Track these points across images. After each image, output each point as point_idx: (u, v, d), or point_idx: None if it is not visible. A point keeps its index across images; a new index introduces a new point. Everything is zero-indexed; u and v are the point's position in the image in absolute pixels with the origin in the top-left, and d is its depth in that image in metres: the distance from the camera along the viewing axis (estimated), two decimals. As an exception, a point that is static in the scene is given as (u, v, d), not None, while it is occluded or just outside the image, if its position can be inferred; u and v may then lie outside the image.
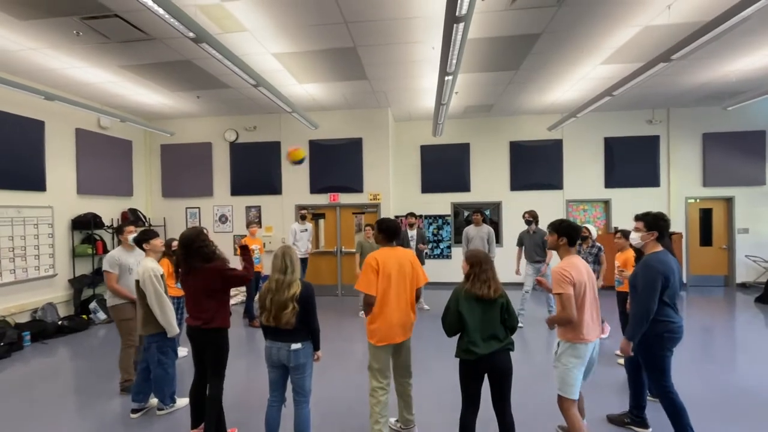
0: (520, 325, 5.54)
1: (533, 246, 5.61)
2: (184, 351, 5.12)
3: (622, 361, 4.23)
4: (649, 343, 2.64)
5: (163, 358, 3.28)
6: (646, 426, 2.94)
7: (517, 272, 5.82)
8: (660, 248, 2.71)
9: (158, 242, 3.51)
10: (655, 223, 2.71)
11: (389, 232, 2.82)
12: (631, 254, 4.11)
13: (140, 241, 3.50)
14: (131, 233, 3.89)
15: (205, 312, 2.73)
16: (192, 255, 2.71)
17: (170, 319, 3.20)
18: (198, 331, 2.74)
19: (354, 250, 6.46)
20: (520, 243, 5.84)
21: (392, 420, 3.01)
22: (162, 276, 3.29)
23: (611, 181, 8.09)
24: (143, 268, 3.23)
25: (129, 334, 3.78)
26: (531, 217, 5.72)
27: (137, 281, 3.24)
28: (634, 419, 2.98)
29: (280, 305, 2.42)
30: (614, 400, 3.37)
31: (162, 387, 3.32)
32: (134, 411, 3.34)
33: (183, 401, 3.39)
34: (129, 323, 3.76)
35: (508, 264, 6.14)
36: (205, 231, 2.92)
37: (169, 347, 3.32)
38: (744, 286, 7.83)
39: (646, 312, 2.57)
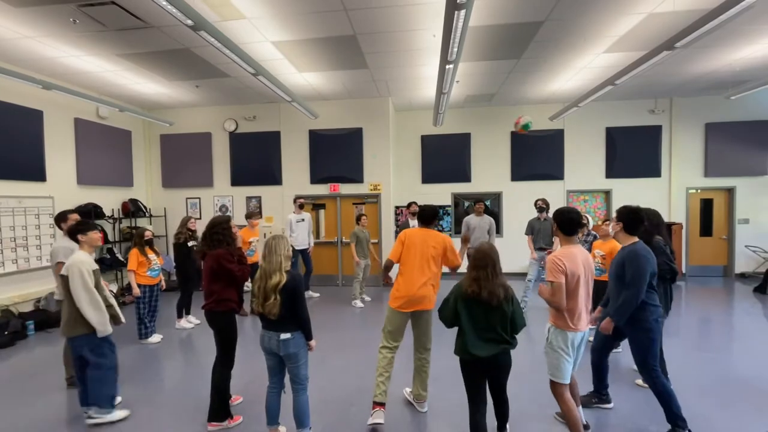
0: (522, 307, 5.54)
1: (542, 234, 5.62)
2: (195, 320, 5.49)
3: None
4: (647, 328, 2.74)
5: (100, 360, 2.95)
6: (609, 401, 3.18)
7: (535, 257, 5.75)
8: (635, 240, 2.80)
9: (96, 236, 3.13)
10: (622, 214, 2.83)
11: (423, 216, 3.16)
12: (616, 244, 4.09)
13: (76, 232, 3.06)
14: (76, 221, 3.56)
15: (210, 295, 2.89)
16: (206, 238, 2.94)
17: (102, 318, 2.92)
18: (205, 313, 2.93)
19: (349, 240, 6.46)
20: (530, 231, 5.82)
21: (407, 390, 3.25)
22: (95, 272, 3.01)
23: (612, 172, 8.06)
24: (72, 261, 2.89)
25: None
26: (544, 204, 5.76)
27: (65, 277, 2.89)
28: (600, 397, 3.18)
29: (266, 294, 2.44)
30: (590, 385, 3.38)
31: (98, 389, 2.95)
32: (90, 416, 2.98)
33: (120, 413, 3.06)
34: None
35: (508, 254, 6.16)
36: (231, 222, 3.08)
37: (104, 345, 3.00)
38: (743, 276, 7.86)
39: (638, 299, 2.68)
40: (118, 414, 3.05)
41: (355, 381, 3.64)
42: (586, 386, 3.18)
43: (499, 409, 2.50)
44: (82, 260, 2.94)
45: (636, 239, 2.81)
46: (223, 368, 2.93)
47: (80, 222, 3.26)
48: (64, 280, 2.91)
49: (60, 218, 3.74)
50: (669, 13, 4.22)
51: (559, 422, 2.92)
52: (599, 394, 3.18)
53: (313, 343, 2.63)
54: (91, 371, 2.96)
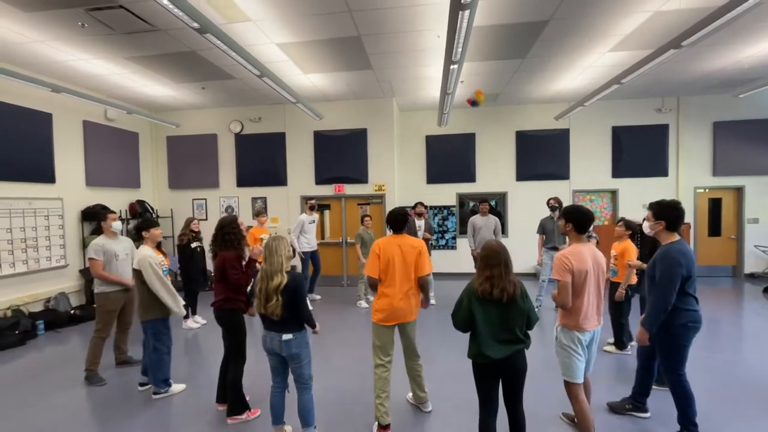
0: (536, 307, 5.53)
1: (555, 233, 5.52)
2: (201, 320, 5.66)
3: (608, 348, 4.28)
4: (674, 333, 2.59)
5: (158, 344, 3.37)
6: (645, 411, 2.99)
7: (539, 262, 5.74)
8: (677, 238, 2.61)
9: (158, 232, 3.61)
10: (662, 211, 2.63)
11: (392, 220, 3.01)
12: (629, 244, 4.07)
13: (140, 229, 3.57)
14: (114, 220, 3.93)
15: (219, 293, 3.00)
16: (217, 238, 3.05)
17: (178, 300, 3.39)
18: (214, 310, 3.04)
19: (354, 241, 6.45)
20: (542, 230, 5.69)
21: (408, 395, 3.25)
22: (159, 264, 3.37)
23: (619, 171, 7.98)
24: (141, 256, 3.31)
25: (106, 324, 3.82)
26: (557, 203, 5.67)
27: (135, 270, 3.32)
28: (635, 405, 3.01)
29: (267, 295, 2.46)
30: (603, 387, 3.37)
31: (155, 372, 3.41)
32: (142, 384, 3.58)
33: (178, 387, 3.57)
34: (111, 314, 3.83)
35: (513, 254, 6.06)
36: (239, 221, 3.18)
37: (164, 333, 3.42)
38: (752, 277, 7.75)
39: (665, 303, 2.51)
40: (176, 388, 3.53)
41: (360, 380, 3.65)
42: (598, 389, 3.16)
43: (514, 421, 2.30)
44: (149, 255, 3.33)
45: (676, 237, 2.60)
46: (236, 363, 3.01)
47: (145, 220, 3.68)
48: (137, 274, 3.28)
49: (99, 217, 4.21)
50: (675, 11, 4.19)
51: (564, 423, 2.91)
52: (635, 402, 3.00)
53: (317, 329, 2.68)
54: (150, 356, 3.39)
